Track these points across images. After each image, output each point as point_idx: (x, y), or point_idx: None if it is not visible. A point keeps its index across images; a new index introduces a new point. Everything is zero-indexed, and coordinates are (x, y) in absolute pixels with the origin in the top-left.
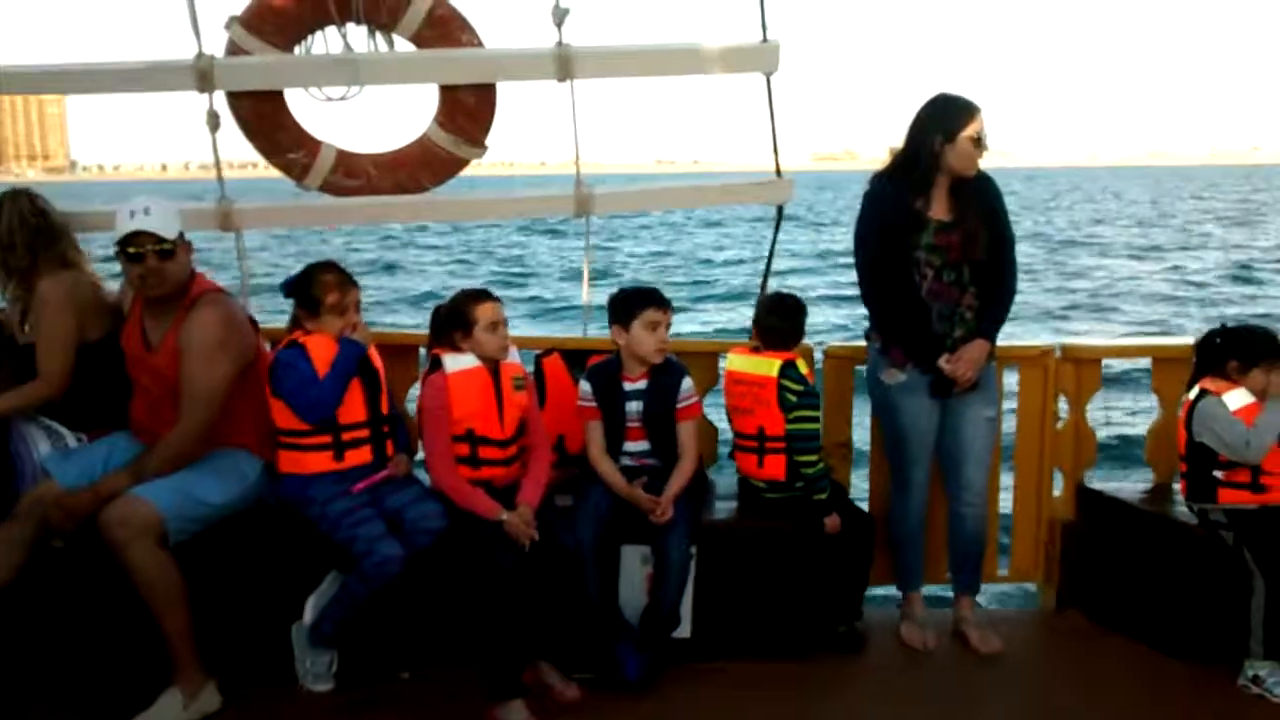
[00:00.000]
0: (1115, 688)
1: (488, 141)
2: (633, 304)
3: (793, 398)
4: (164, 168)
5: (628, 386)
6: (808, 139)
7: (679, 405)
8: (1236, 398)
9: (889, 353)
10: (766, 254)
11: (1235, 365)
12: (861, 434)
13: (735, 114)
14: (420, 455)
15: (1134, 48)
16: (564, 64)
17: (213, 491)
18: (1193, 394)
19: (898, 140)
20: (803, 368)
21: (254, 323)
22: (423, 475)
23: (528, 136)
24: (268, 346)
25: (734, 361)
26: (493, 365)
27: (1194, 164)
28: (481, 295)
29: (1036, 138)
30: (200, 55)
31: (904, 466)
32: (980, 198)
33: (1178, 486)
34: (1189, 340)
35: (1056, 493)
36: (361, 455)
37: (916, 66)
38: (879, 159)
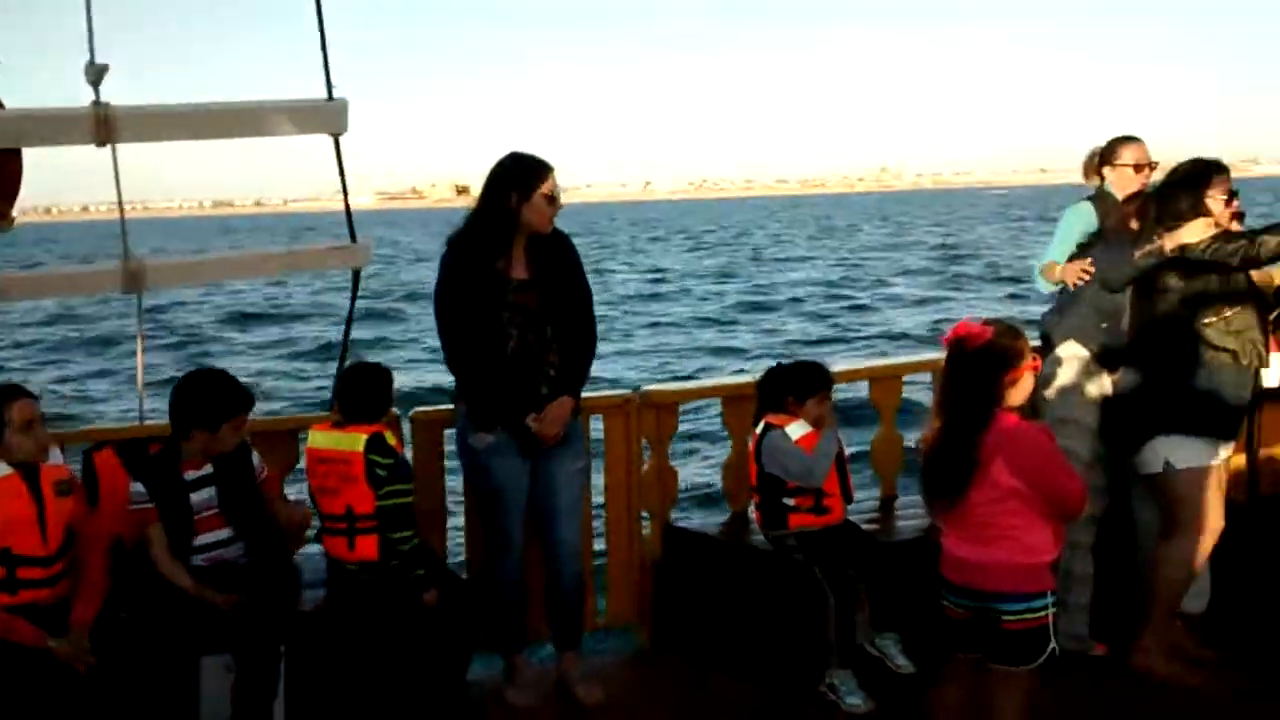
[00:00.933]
0: None
1: (14, 212)
2: (228, 411)
3: (382, 473)
4: None
5: (190, 475)
6: (372, 178)
7: (261, 479)
8: (797, 429)
9: (476, 415)
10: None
11: (791, 399)
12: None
13: (301, 148)
14: None
15: (679, 76)
16: (103, 126)
17: None
18: (759, 428)
19: (463, 179)
20: (390, 440)
21: None
22: None
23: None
24: None
25: (316, 439)
26: (30, 471)
27: (733, 194)
28: (11, 392)
29: (592, 170)
30: None
31: (499, 528)
32: (557, 254)
33: (754, 516)
34: (752, 379)
35: (646, 534)
36: None
37: (477, 108)
38: (446, 199)
